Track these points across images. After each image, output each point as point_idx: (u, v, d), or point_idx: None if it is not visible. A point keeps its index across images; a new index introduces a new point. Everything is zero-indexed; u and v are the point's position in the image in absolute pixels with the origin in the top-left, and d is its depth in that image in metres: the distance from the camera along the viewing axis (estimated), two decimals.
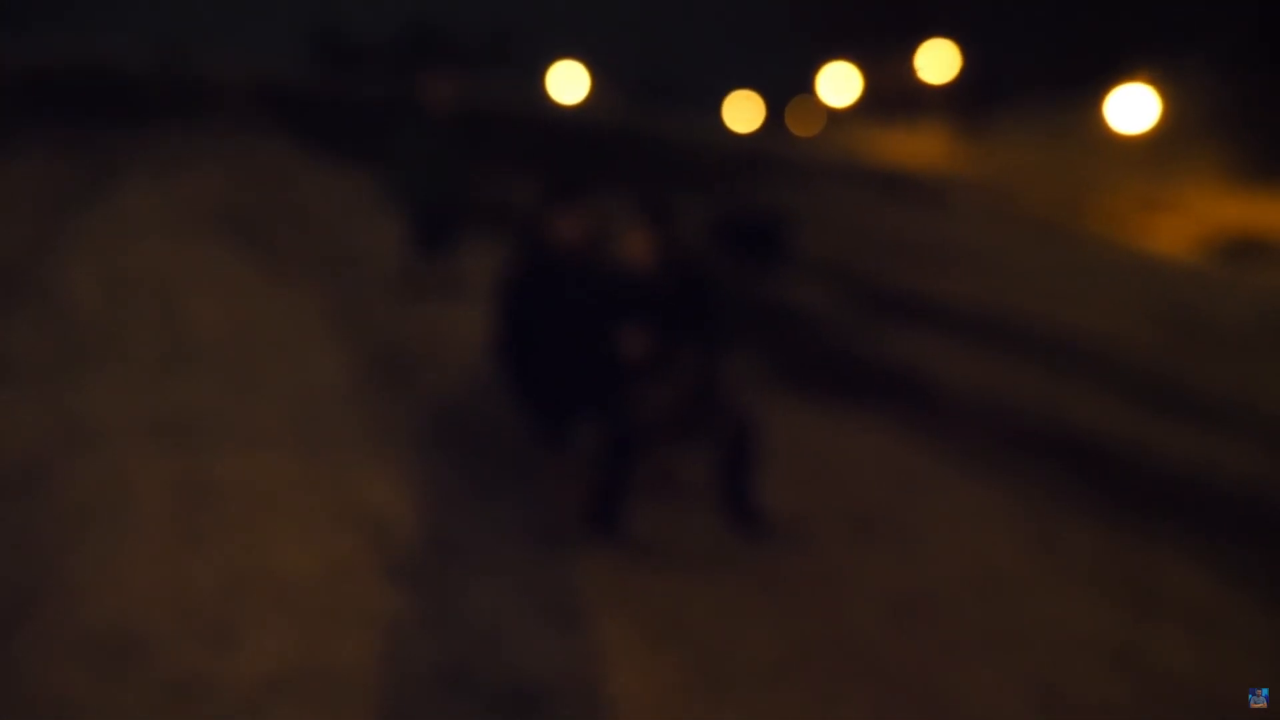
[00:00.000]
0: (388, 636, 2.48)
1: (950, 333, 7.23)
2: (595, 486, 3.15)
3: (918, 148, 25.43)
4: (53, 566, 2.61)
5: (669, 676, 2.48)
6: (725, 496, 3.24)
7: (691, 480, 3.44)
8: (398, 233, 6.10)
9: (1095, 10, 21.85)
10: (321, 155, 11.69)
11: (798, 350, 6.12)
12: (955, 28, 24.92)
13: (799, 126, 31.23)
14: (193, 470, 3.23)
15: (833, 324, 7.06)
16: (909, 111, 26.87)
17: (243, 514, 2.99)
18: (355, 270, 6.33)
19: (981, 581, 3.21)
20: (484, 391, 4.01)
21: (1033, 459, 4.51)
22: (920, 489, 3.96)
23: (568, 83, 30.72)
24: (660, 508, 3.33)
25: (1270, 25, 18.82)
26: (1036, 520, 3.79)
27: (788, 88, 31.63)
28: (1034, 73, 23.60)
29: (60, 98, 14.62)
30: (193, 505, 3.01)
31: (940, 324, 7.51)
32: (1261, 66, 18.35)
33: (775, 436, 3.48)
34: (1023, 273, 10.55)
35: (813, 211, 11.72)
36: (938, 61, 25.55)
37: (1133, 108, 20.03)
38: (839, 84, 28.64)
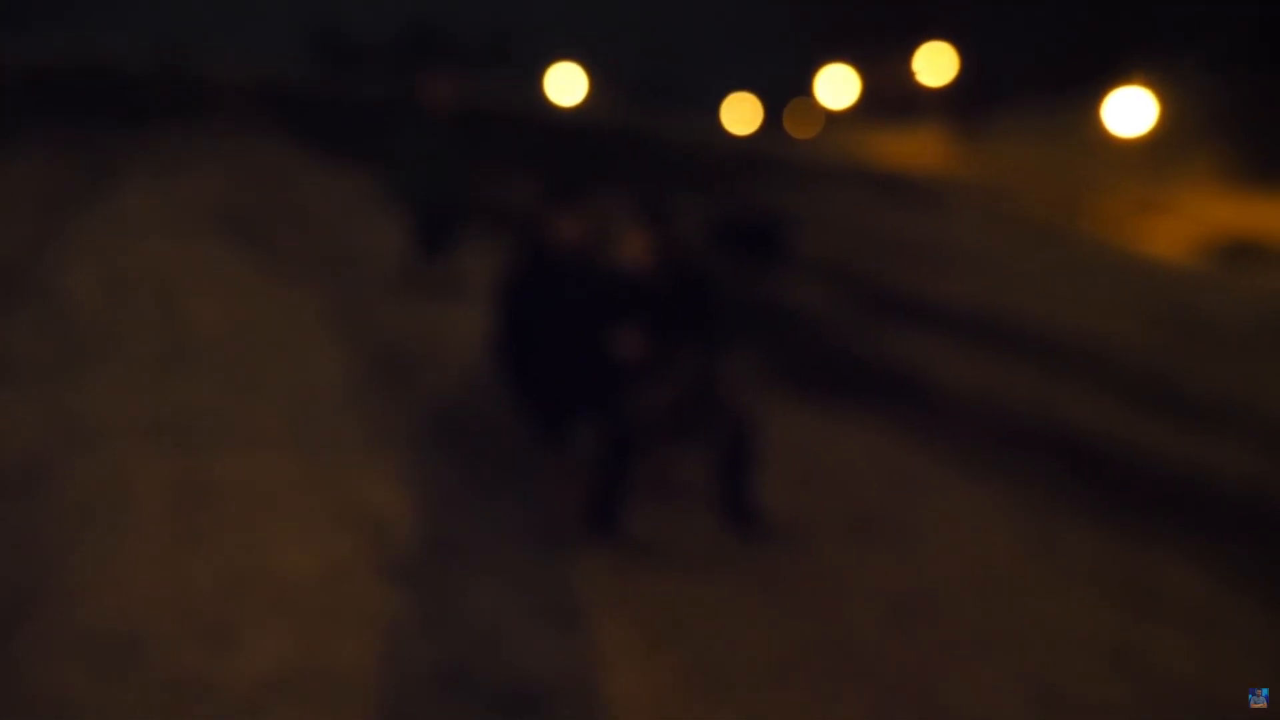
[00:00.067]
0: (387, 637, 2.49)
1: (949, 333, 7.24)
2: (594, 487, 3.16)
3: (915, 149, 25.46)
4: (52, 566, 2.61)
5: (668, 676, 2.48)
6: (724, 497, 3.25)
7: (690, 481, 3.44)
8: (398, 233, 6.11)
9: (1093, 13, 21.89)
10: (321, 155, 11.69)
11: (796, 351, 6.13)
12: (953, 30, 24.96)
13: (797, 128, 31.26)
14: (192, 470, 3.23)
15: (831, 324, 7.07)
16: (907, 113, 26.90)
17: (242, 514, 3.00)
18: (355, 270, 6.33)
19: (980, 582, 3.22)
20: (483, 392, 4.01)
21: (1031, 459, 4.52)
22: (918, 489, 3.97)
23: (566, 84, 30.73)
24: (659, 508, 3.33)
25: (1268, 27, 18.86)
26: (1035, 521, 3.80)
27: (786, 89, 31.65)
28: (1032, 75, 23.63)
29: (60, 98, 14.61)
30: (192, 505, 3.01)
31: (939, 325, 7.52)
32: (1259, 69, 18.38)
33: (774, 437, 3.49)
34: (1021, 274, 10.57)
35: (811, 212, 11.73)
36: (935, 64, 25.58)
37: (1130, 110, 20.06)
38: (837, 86, 28.67)
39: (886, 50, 26.33)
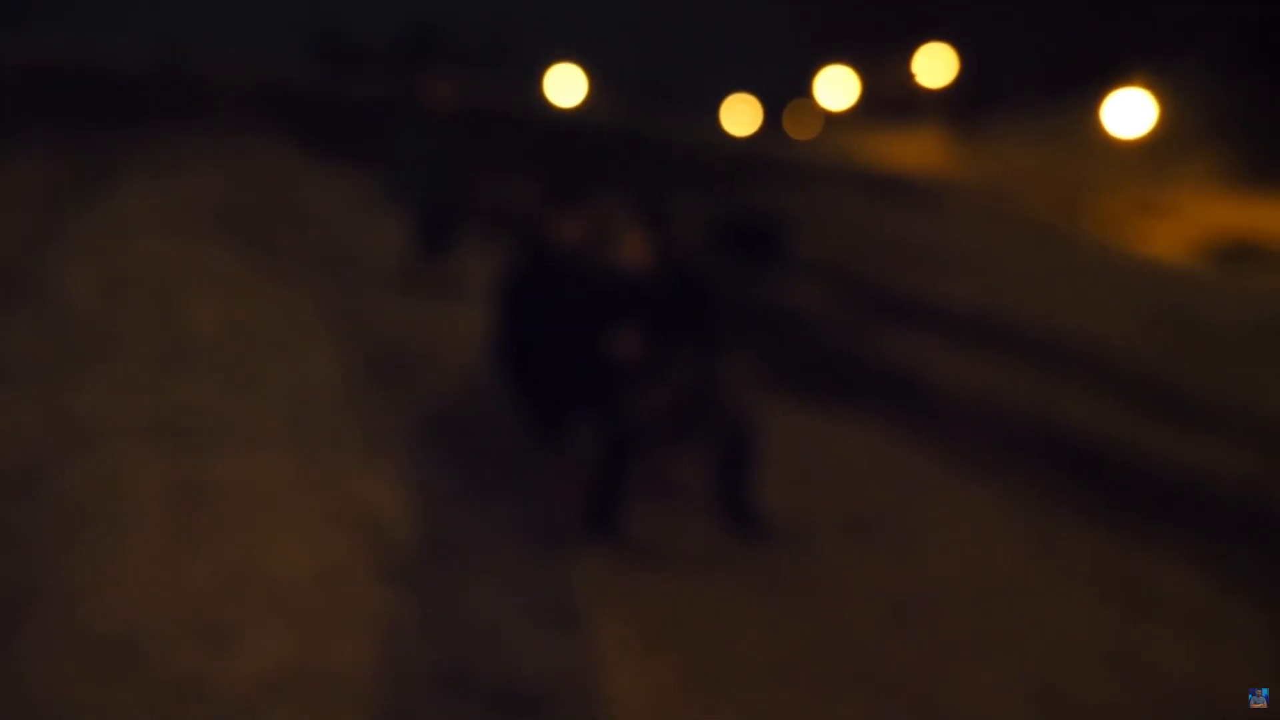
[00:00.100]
0: (385, 637, 2.49)
1: (947, 335, 7.25)
2: (593, 487, 3.16)
3: (915, 151, 25.48)
4: (51, 566, 2.61)
5: (666, 677, 2.48)
6: (723, 497, 3.25)
7: (689, 481, 3.44)
8: (397, 233, 6.11)
9: (1092, 14, 21.91)
10: (321, 155, 11.69)
11: (795, 352, 6.13)
12: (952, 32, 24.98)
13: (796, 129, 31.29)
14: (191, 470, 3.23)
15: (830, 325, 7.07)
16: (906, 115, 26.93)
17: (241, 514, 3.00)
18: (354, 270, 6.33)
19: (979, 582, 3.22)
20: (482, 392, 4.01)
21: (1029, 461, 4.52)
22: (917, 490, 3.97)
23: (565, 85, 30.74)
24: (658, 509, 3.34)
25: (1267, 29, 18.89)
26: (1034, 521, 3.80)
27: (785, 91, 31.70)
28: (1031, 76, 23.66)
29: (59, 97, 14.61)
30: (191, 505, 3.01)
31: (937, 326, 7.52)
32: (1258, 70, 18.41)
33: (772, 438, 3.49)
34: (1019, 275, 10.57)
35: (810, 214, 11.73)
36: (935, 65, 25.61)
37: (1130, 111, 20.09)
38: (836, 87, 28.70)
39: (886, 52, 26.37)
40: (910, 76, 26.08)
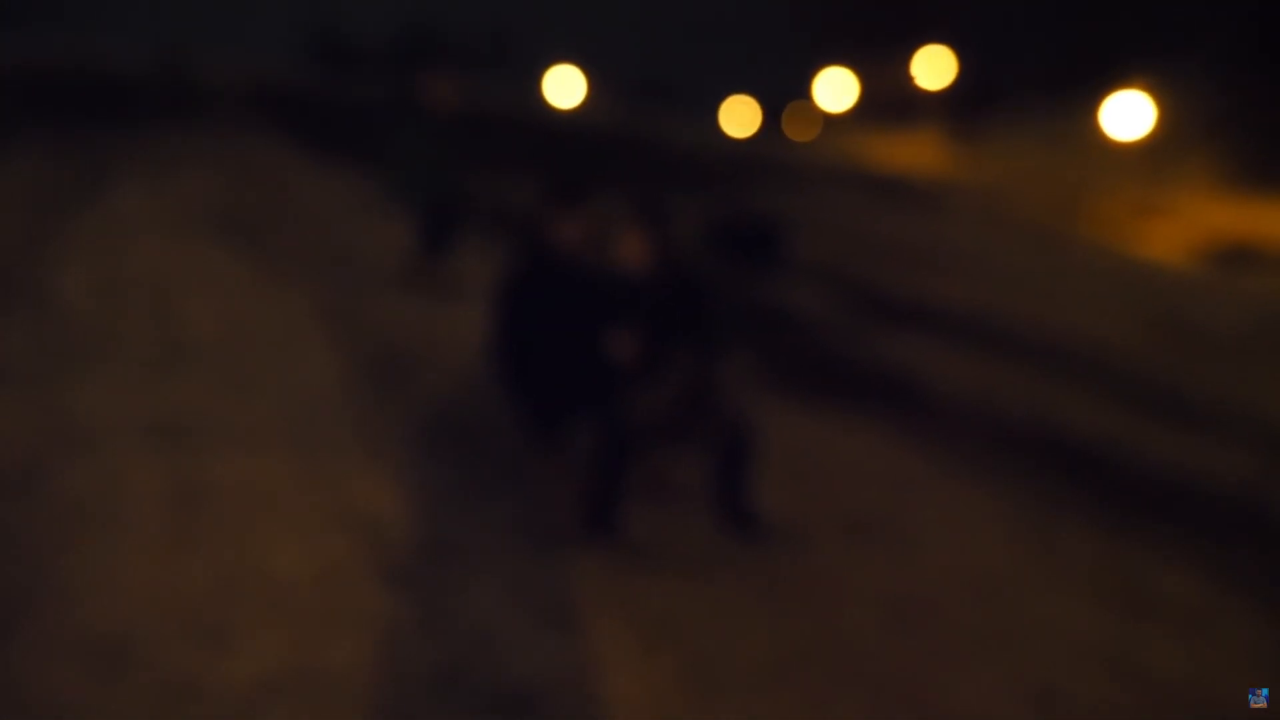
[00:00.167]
0: (383, 638, 2.49)
1: (945, 337, 7.25)
2: (591, 488, 3.16)
3: (913, 153, 25.50)
4: (48, 568, 2.60)
5: (664, 678, 2.48)
6: (721, 499, 3.25)
7: (687, 483, 3.44)
8: (396, 233, 6.11)
9: (1091, 17, 21.95)
10: (319, 156, 11.68)
11: (793, 353, 6.13)
12: (951, 34, 25.01)
13: (795, 131, 31.30)
14: (189, 471, 3.23)
15: (828, 327, 7.08)
16: (905, 117, 26.95)
17: (239, 515, 2.99)
18: (353, 271, 6.33)
19: (977, 584, 3.23)
20: (481, 393, 4.01)
21: (1027, 462, 4.53)
22: (915, 491, 3.97)
23: (564, 87, 30.75)
24: (656, 510, 3.34)
25: (1266, 32, 18.92)
26: (1032, 523, 3.80)
27: (784, 92, 31.72)
28: (1030, 79, 23.69)
29: (57, 98, 14.59)
30: (189, 506, 3.01)
31: (935, 328, 7.53)
32: (1257, 73, 18.44)
33: (771, 439, 3.49)
34: (1018, 277, 10.59)
35: (809, 215, 11.74)
36: (934, 67, 25.64)
37: (1128, 114, 20.11)
38: (835, 89, 28.72)
39: (885, 54, 26.40)
40: (909, 79, 26.11)
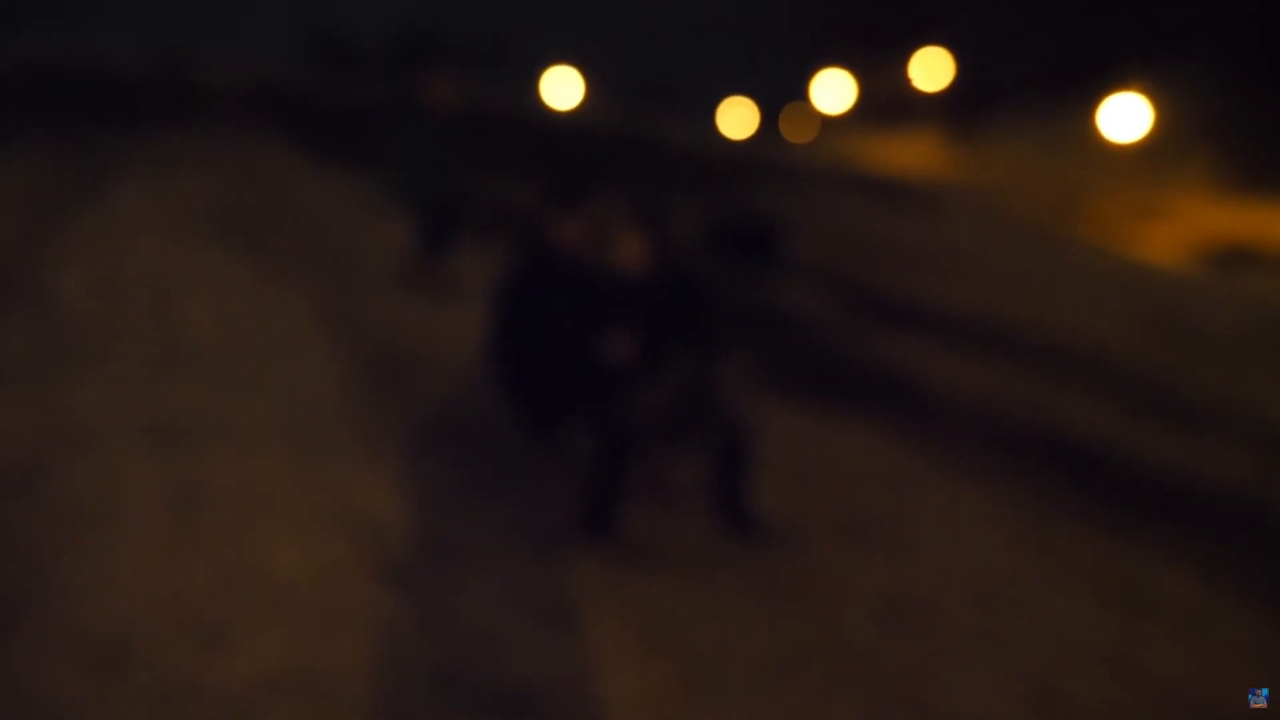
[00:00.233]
0: (381, 639, 2.48)
1: (943, 338, 7.26)
2: (590, 489, 3.16)
3: (911, 154, 25.53)
4: (48, 568, 2.60)
5: (663, 679, 2.48)
6: (720, 500, 3.25)
7: (686, 483, 3.45)
8: (395, 233, 6.11)
9: (1089, 18, 21.97)
10: (318, 157, 11.68)
11: (792, 355, 6.14)
12: (949, 35, 25.04)
13: (793, 132, 31.32)
14: (188, 471, 3.23)
15: (826, 329, 7.08)
16: (903, 118, 26.97)
17: (238, 515, 2.99)
18: (352, 271, 6.33)
19: (976, 585, 3.23)
20: (480, 393, 4.01)
21: (1026, 463, 4.53)
22: (914, 492, 3.98)
23: (563, 87, 30.76)
24: (654, 511, 3.34)
25: (1263, 34, 18.95)
26: (1030, 524, 3.81)
27: (782, 94, 31.73)
28: (1028, 80, 23.71)
29: (57, 98, 14.58)
30: (188, 506, 3.01)
31: (933, 329, 7.53)
32: (1254, 75, 18.47)
33: (769, 440, 3.50)
34: (1015, 279, 10.60)
35: (807, 217, 11.76)
36: (932, 69, 25.66)
37: (1125, 116, 20.14)
38: (833, 90, 28.73)
39: (883, 55, 26.41)
40: (907, 80, 26.13)
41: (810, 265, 9.27)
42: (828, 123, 29.86)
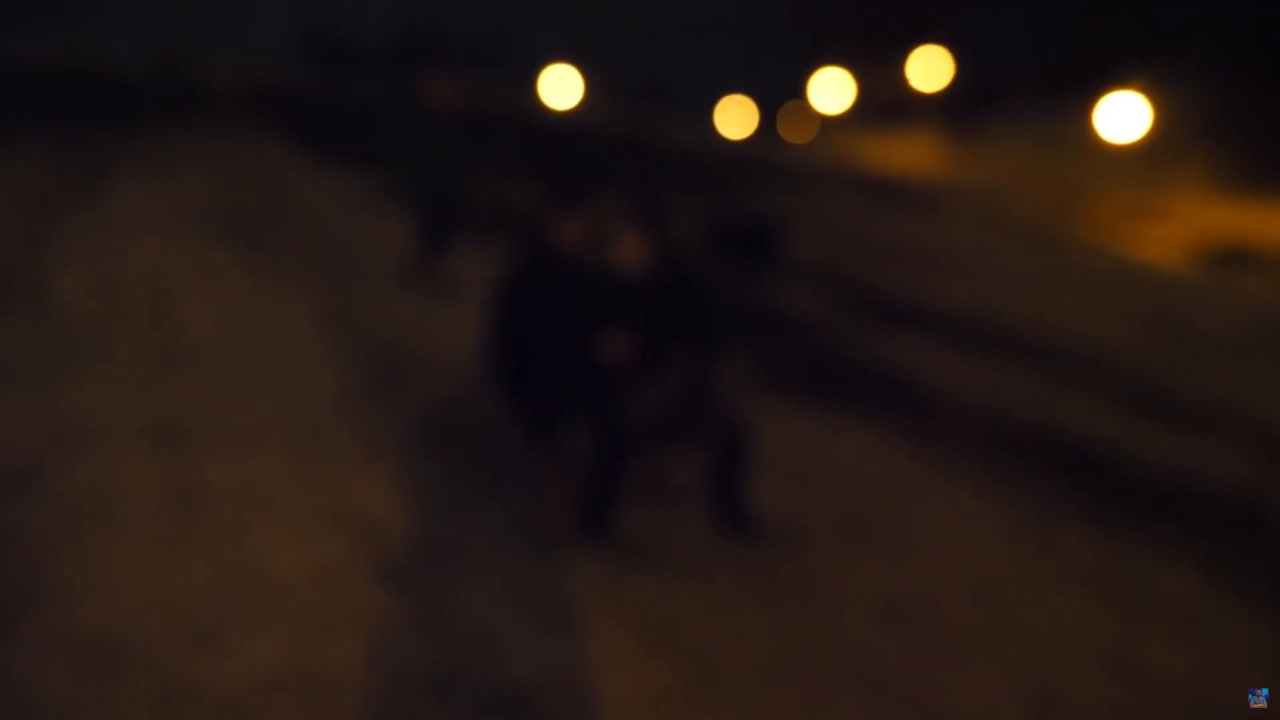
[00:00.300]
0: (379, 639, 2.48)
1: (943, 338, 7.26)
2: (589, 489, 3.16)
3: (910, 154, 25.54)
4: (47, 568, 2.60)
5: (661, 679, 2.48)
6: (718, 500, 3.25)
7: (684, 483, 3.45)
8: (395, 233, 6.11)
9: (1088, 19, 21.98)
10: (317, 157, 11.68)
11: (790, 355, 6.14)
12: (948, 35, 25.05)
13: (792, 132, 31.34)
14: (187, 472, 3.23)
15: (825, 329, 7.08)
16: (902, 118, 26.98)
17: (237, 516, 2.99)
18: (352, 271, 6.33)
19: (974, 586, 3.23)
20: (479, 393, 4.01)
21: (1025, 463, 4.53)
22: (913, 492, 3.98)
23: (562, 87, 30.76)
24: (654, 511, 3.34)
25: (1261, 35, 18.96)
26: (1030, 524, 3.81)
27: (781, 93, 31.75)
28: (1027, 80, 23.72)
29: (57, 98, 14.58)
30: (187, 507, 3.00)
31: (932, 329, 7.54)
32: (1252, 76, 18.48)
33: (768, 440, 3.50)
34: (1014, 278, 10.61)
35: (806, 217, 11.76)
36: (930, 69, 25.67)
37: (1124, 116, 20.16)
38: (832, 90, 28.75)
39: (882, 55, 26.42)
40: (906, 80, 26.14)
41: (810, 265, 9.27)
42: (826, 122, 29.89)
